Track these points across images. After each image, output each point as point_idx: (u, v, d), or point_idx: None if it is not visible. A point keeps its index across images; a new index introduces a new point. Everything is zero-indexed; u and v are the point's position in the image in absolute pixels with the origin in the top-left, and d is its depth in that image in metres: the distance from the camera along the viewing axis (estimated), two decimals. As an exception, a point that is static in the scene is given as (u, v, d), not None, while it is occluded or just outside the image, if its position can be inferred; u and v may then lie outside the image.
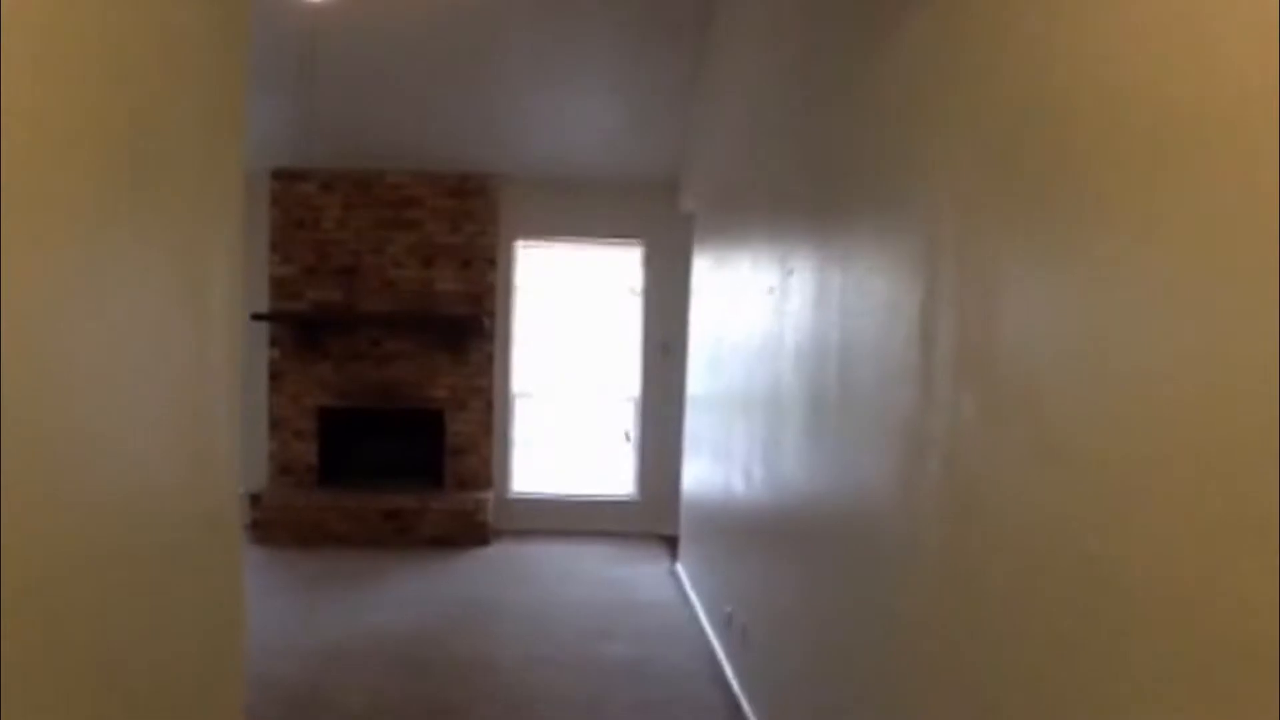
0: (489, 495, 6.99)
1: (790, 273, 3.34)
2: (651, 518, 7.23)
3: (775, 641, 3.46)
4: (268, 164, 6.74)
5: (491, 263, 7.09)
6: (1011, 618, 1.54)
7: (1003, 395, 1.59)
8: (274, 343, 6.96)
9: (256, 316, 6.77)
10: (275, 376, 6.98)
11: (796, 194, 3.34)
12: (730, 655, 4.25)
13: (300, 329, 6.92)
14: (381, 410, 7.08)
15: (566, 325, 7.47)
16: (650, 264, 7.30)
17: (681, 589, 5.78)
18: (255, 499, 6.66)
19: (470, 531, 6.75)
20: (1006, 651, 1.56)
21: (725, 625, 4.35)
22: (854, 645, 2.45)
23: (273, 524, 6.63)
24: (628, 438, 7.46)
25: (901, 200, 2.13)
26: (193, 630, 1.88)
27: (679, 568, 6.18)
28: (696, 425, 5.86)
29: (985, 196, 1.68)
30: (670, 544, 6.72)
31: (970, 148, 1.75)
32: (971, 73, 1.76)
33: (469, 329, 6.98)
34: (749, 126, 4.40)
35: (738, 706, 3.90)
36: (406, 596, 5.46)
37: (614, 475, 7.52)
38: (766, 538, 3.69)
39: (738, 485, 4.28)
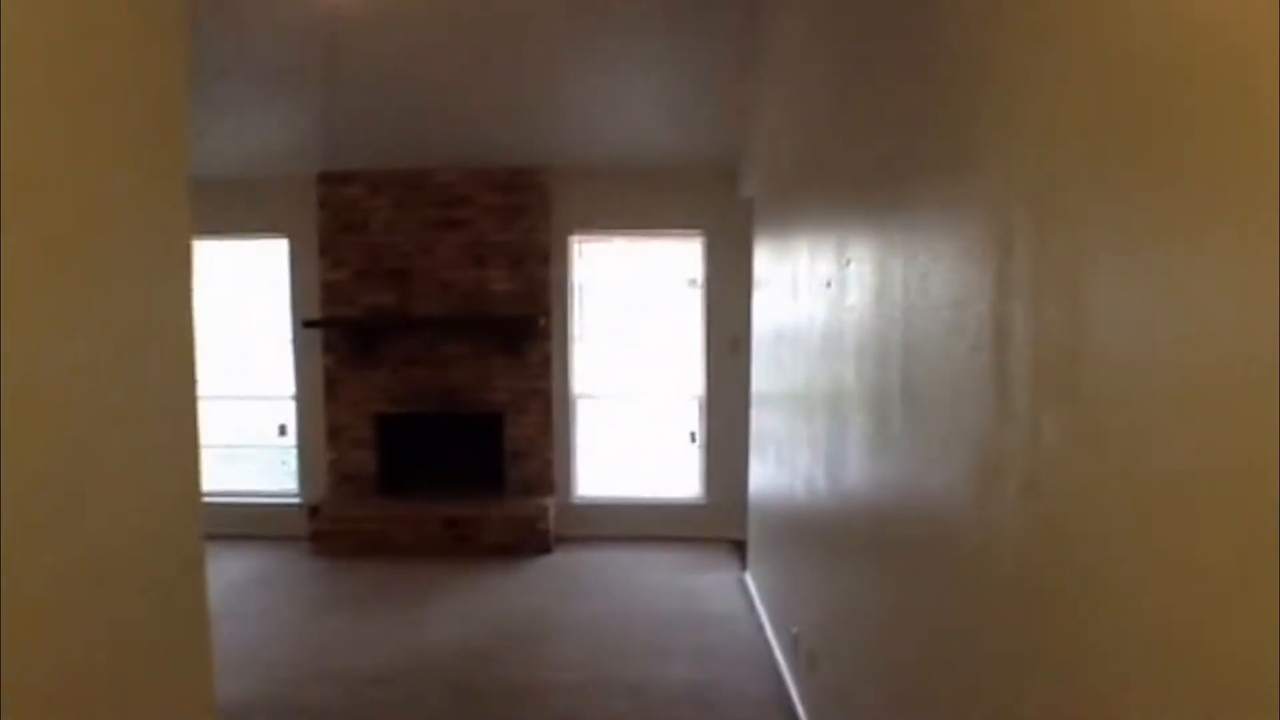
0: (550, 501, 6.76)
1: (848, 263, 2.99)
2: (720, 522, 6.90)
3: (843, 669, 3.11)
4: (314, 168, 6.61)
5: (546, 260, 6.83)
6: (1105, 672, 1.20)
7: (1095, 416, 1.23)
8: (328, 349, 6.83)
9: (308, 324, 6.66)
10: (331, 384, 6.86)
11: (853, 173, 2.98)
12: (798, 681, 3.91)
13: (354, 335, 6.78)
14: (440, 415, 6.90)
15: (627, 322, 7.18)
16: (712, 255, 6.95)
17: (749, 599, 5.45)
18: (314, 510, 6.55)
19: (532, 539, 6.53)
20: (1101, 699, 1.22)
21: (792, 648, 4.01)
22: (927, 678, 2.11)
23: (331, 535, 6.51)
24: (693, 438, 7.14)
25: (967, 177, 1.77)
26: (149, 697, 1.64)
27: (747, 576, 5.85)
28: (761, 426, 5.51)
29: (1071, 173, 1.31)
30: (739, 549, 6.40)
31: (1051, 114, 1.39)
32: (1056, 24, 1.40)
33: (525, 329, 6.74)
34: (804, 102, 4.03)
35: (806, 738, 3.57)
36: (461, 611, 5.25)
37: (680, 477, 7.21)
38: (830, 554, 3.35)
39: (801, 494, 3.93)
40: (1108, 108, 1.22)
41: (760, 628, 4.93)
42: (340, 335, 6.79)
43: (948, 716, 1.98)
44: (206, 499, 6.73)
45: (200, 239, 6.81)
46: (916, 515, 2.19)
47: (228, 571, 6.02)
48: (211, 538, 6.58)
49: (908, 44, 2.27)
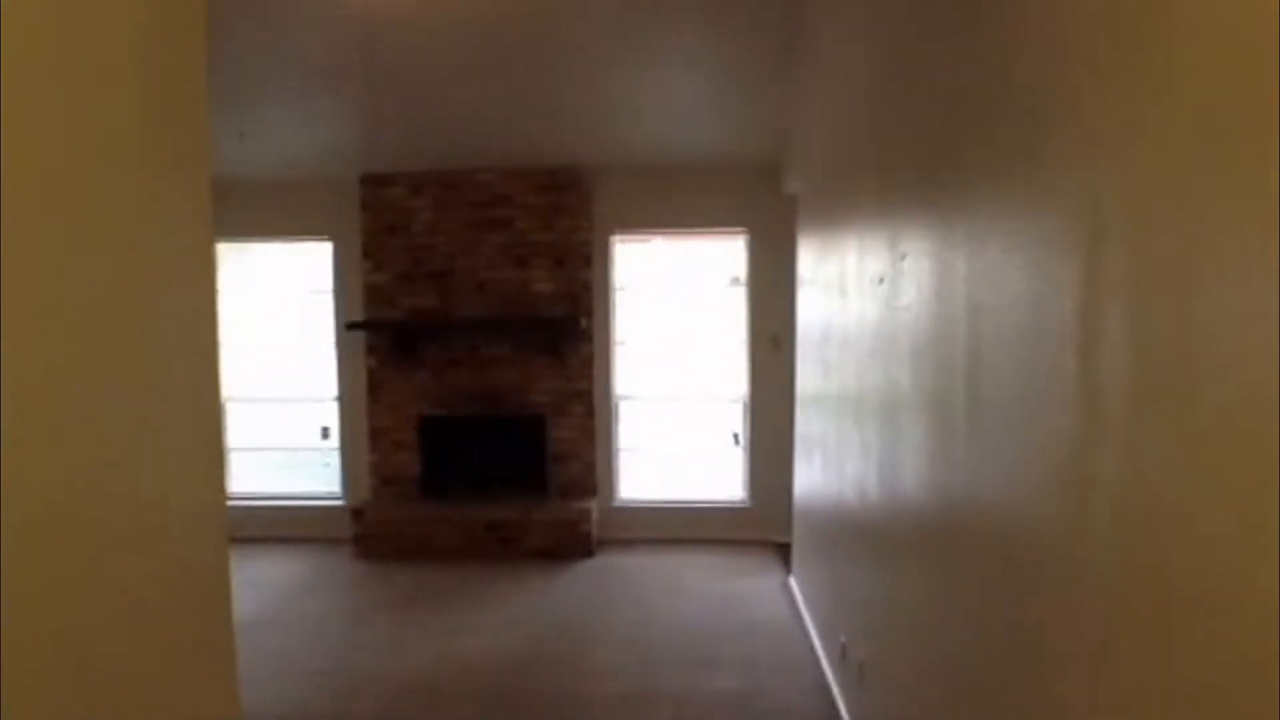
0: (592, 504, 6.67)
1: (903, 257, 2.85)
2: (764, 524, 6.78)
3: (895, 683, 2.98)
4: (356, 170, 6.59)
5: (587, 260, 6.75)
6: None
7: (1210, 435, 1.10)
8: (371, 351, 6.81)
9: (351, 326, 6.65)
10: (374, 387, 6.83)
11: (908, 162, 2.84)
12: (846, 693, 3.78)
13: (396, 337, 6.75)
14: (481, 417, 6.84)
15: (669, 323, 7.07)
16: (755, 253, 6.82)
17: (795, 606, 5.32)
18: (357, 513, 6.53)
19: (574, 543, 6.45)
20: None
21: (840, 658, 3.88)
22: (988, 701, 1.98)
23: (374, 538, 6.49)
24: (736, 440, 7.02)
25: (1047, 161, 1.65)
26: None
27: (792, 581, 5.72)
28: (807, 428, 5.37)
29: (1185, 151, 1.18)
30: (784, 552, 6.27)
31: (1157, 88, 1.27)
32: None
33: (567, 330, 6.67)
34: (851, 93, 3.90)
35: (858, 754, 3.44)
36: (501, 617, 5.18)
37: (723, 480, 7.09)
38: (883, 563, 3.22)
39: (851, 499, 3.80)
40: (1233, 77, 1.10)
41: (806, 634, 4.80)
42: (382, 337, 6.77)
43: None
44: (251, 502, 6.75)
45: (245, 241, 6.89)
46: (983, 531, 2.06)
47: (271, 575, 6.02)
48: (257, 541, 6.59)
49: (973, 21, 2.14)
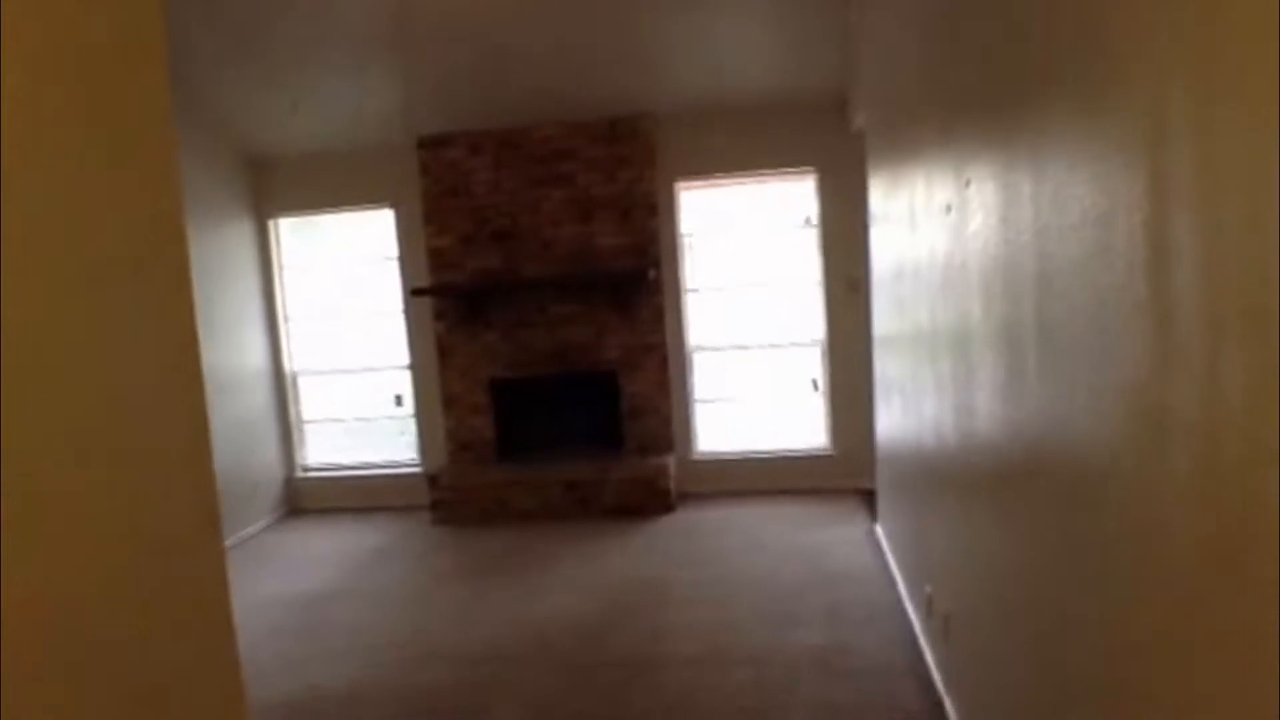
0: (670, 459, 6.57)
1: (968, 184, 2.63)
2: (848, 471, 6.58)
3: (980, 635, 2.81)
4: (412, 134, 6.53)
5: (652, 210, 6.58)
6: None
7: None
8: (438, 317, 6.80)
9: (416, 291, 6.64)
10: (444, 352, 6.83)
11: (970, 80, 2.60)
12: (933, 644, 3.61)
13: (463, 300, 6.72)
14: (554, 377, 6.78)
15: (741, 269, 6.86)
16: (825, 192, 6.54)
17: (880, 554, 5.14)
18: (433, 479, 6.56)
19: (653, 499, 6.37)
20: None
21: (925, 609, 3.71)
22: (1072, 649, 1.81)
23: (451, 504, 6.52)
24: (815, 386, 6.82)
25: (1104, 57, 1.43)
26: None
27: (878, 529, 5.53)
28: (884, 370, 5.15)
29: (1245, 33, 0.98)
30: (869, 499, 6.07)
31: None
32: None
33: (636, 283, 6.53)
34: (915, 17, 3.63)
35: (941, 708, 3.28)
36: (579, 579, 5.13)
37: (805, 427, 6.90)
38: (961, 509, 3.02)
39: (929, 442, 3.60)
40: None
41: (893, 584, 4.63)
42: (449, 302, 6.75)
43: (1098, 695, 1.68)
44: (330, 473, 6.83)
45: (306, 214, 6.92)
46: (1057, 470, 1.87)
47: (349, 546, 6.12)
48: (338, 511, 6.68)
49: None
